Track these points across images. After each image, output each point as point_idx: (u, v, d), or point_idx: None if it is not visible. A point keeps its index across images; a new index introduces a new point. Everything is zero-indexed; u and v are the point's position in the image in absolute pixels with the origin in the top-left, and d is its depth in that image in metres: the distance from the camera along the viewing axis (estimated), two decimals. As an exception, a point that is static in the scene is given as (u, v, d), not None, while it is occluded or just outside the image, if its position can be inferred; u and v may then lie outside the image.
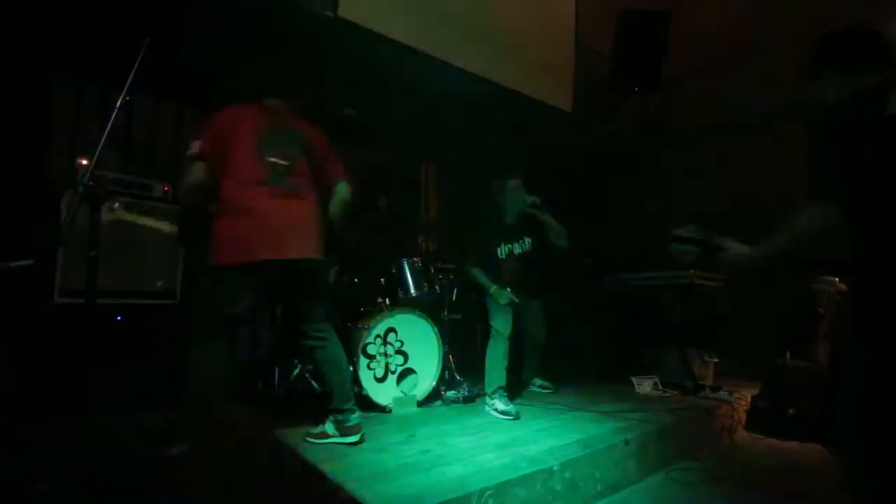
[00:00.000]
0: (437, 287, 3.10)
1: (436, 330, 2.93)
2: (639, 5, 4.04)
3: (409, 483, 1.64)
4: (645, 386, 3.30)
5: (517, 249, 3.10)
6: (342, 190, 2.23)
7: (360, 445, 2.05)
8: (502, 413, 2.59)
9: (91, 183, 1.47)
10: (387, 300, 2.99)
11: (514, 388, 2.98)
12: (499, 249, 3.08)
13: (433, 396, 2.92)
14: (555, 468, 1.84)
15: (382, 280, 3.11)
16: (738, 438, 2.88)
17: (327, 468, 1.74)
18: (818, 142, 1.32)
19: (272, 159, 2.00)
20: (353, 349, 2.65)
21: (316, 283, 2.13)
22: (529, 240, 3.11)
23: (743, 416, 3.03)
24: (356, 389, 2.58)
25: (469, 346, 3.77)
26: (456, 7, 3.57)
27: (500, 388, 2.70)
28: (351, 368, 2.48)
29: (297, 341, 2.10)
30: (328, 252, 2.18)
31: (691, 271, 3.34)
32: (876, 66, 1.27)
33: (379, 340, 2.72)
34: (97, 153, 1.50)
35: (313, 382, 2.91)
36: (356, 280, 3.17)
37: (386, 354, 2.74)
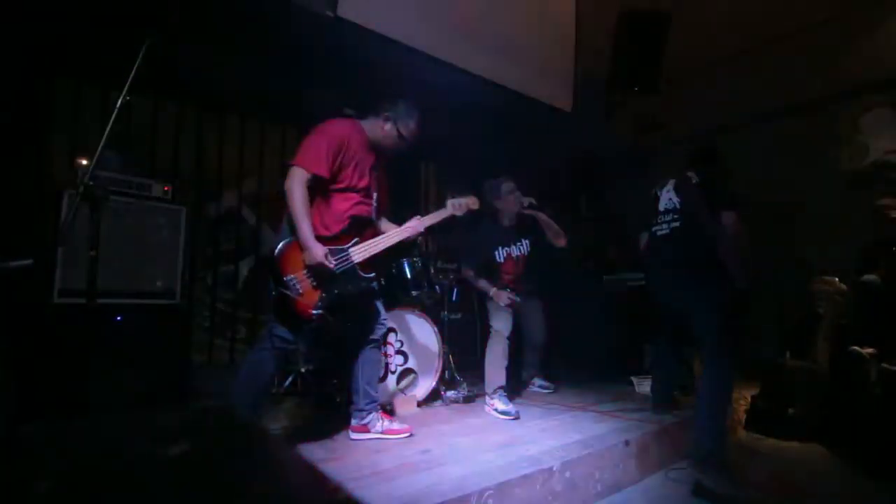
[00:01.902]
0: (437, 287, 3.09)
1: (436, 330, 2.93)
2: (639, 5, 4.04)
3: (409, 483, 1.64)
4: (645, 386, 3.30)
5: (515, 252, 3.08)
6: None
7: (360, 445, 2.06)
8: (502, 413, 2.59)
9: (91, 183, 1.46)
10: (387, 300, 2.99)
11: (514, 388, 2.98)
12: (497, 252, 3.07)
13: (433, 396, 2.92)
14: (555, 468, 1.84)
15: (382, 280, 3.10)
16: (738, 438, 2.88)
17: (327, 468, 1.75)
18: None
19: None
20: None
21: None
22: (527, 241, 3.10)
23: (743, 416, 3.03)
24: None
25: (469, 346, 3.77)
26: (456, 7, 3.57)
27: (500, 388, 2.70)
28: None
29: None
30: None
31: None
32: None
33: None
34: (97, 153, 1.49)
35: (313, 382, 2.91)
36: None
37: (386, 354, 2.74)
